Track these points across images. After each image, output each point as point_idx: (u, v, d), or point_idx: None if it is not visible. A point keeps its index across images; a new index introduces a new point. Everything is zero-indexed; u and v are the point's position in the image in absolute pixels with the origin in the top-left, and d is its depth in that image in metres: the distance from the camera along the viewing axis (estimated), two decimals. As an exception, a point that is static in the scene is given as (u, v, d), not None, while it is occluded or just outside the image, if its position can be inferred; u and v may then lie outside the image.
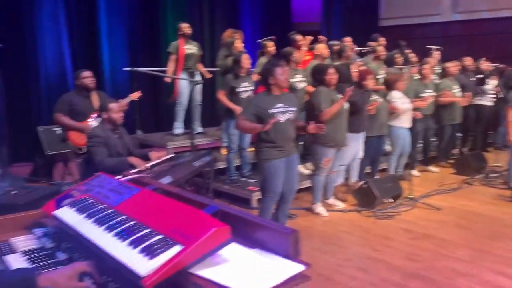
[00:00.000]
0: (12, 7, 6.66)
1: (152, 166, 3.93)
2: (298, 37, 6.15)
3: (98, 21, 7.68)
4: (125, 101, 4.95)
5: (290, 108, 3.83)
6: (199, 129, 6.56)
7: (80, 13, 7.41)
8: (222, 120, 5.72)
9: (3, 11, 6.56)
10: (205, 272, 1.24)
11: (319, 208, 4.85)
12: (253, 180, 5.38)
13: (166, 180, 3.44)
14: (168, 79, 6.14)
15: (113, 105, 3.97)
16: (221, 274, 1.23)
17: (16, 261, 1.62)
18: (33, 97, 6.93)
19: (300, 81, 5.49)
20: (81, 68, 5.24)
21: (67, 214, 1.68)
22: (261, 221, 1.44)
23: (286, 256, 1.32)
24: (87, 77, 4.93)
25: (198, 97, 6.34)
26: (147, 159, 4.03)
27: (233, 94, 5.08)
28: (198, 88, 6.24)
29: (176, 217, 1.41)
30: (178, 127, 6.38)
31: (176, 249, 1.26)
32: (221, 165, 5.72)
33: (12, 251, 1.72)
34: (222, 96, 5.13)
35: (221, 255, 1.33)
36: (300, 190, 4.91)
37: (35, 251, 1.71)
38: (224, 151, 6.10)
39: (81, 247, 1.55)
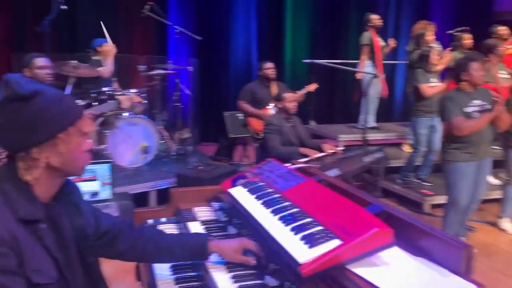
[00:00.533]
0: (211, 6, 7.49)
1: (321, 157, 3.99)
2: (501, 28, 5.42)
3: (284, 15, 8.08)
4: (301, 92, 5.12)
5: (488, 106, 3.43)
6: (373, 123, 6.36)
7: (269, 8, 7.91)
8: (411, 117, 5.40)
9: (206, 8, 7.45)
10: (363, 271, 1.21)
11: (506, 224, 4.24)
12: (428, 184, 5.00)
13: (333, 172, 3.45)
14: (360, 75, 6.04)
15: (287, 95, 4.17)
16: (379, 276, 1.18)
17: (195, 228, 1.84)
18: (222, 84, 7.72)
19: (505, 78, 4.84)
20: (265, 59, 5.61)
21: (240, 193, 1.83)
22: (429, 229, 1.33)
23: (456, 272, 1.20)
24: (269, 68, 5.26)
25: (377, 89, 6.13)
26: (319, 150, 4.11)
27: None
28: (381, 80, 6.03)
29: (338, 211, 1.40)
30: (371, 120, 6.27)
31: (336, 242, 1.26)
32: (394, 163, 5.46)
33: (194, 219, 1.96)
34: (425, 89, 4.76)
35: (381, 257, 1.27)
36: (485, 201, 4.37)
37: (211, 222, 1.91)
38: (407, 148, 5.78)
39: (249, 225, 1.67)
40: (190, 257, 1.55)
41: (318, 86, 5.49)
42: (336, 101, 8.57)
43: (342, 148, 4.33)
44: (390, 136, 6.21)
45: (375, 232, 1.22)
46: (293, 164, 2.31)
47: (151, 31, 7.25)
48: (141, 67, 5.41)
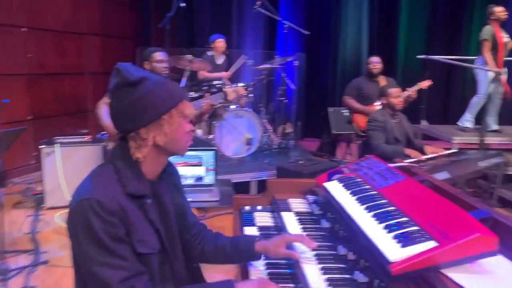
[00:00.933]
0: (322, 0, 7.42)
1: (429, 159, 3.76)
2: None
3: (399, 7, 7.70)
4: (412, 89, 4.86)
5: None
6: (494, 126, 5.77)
7: (383, 1, 7.61)
8: None
9: (317, 2, 7.41)
10: (459, 277, 1.13)
11: None
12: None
13: (441, 175, 3.23)
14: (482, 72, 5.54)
15: (392, 90, 3.98)
16: (478, 285, 1.10)
17: (289, 219, 1.87)
18: (329, 79, 7.63)
19: None
20: (375, 54, 5.42)
21: (335, 188, 1.82)
22: (543, 241, 1.20)
23: None
24: (371, 62, 5.08)
25: (500, 89, 5.56)
26: (422, 152, 3.88)
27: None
28: (503, 79, 5.46)
29: (437, 213, 1.33)
30: (468, 120, 5.79)
31: (431, 244, 1.19)
32: (515, 170, 4.92)
33: (288, 209, 1.99)
34: None
35: (482, 265, 1.18)
36: None
37: (305, 214, 1.93)
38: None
39: (342, 220, 1.66)
40: (241, 257, 1.59)
41: (431, 83, 5.15)
42: (452, 100, 7.96)
43: (454, 151, 4.03)
44: (510, 140, 5.60)
45: (476, 237, 1.13)
46: (395, 162, 2.22)
47: (261, 26, 7.45)
48: (250, 62, 5.59)
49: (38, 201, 4.40)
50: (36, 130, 5.48)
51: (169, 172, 1.49)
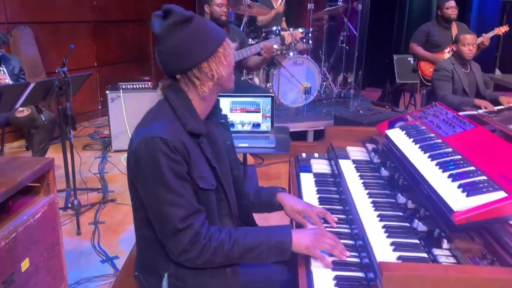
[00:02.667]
0: None
1: (501, 110, 3.50)
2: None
3: None
4: (487, 35, 4.47)
5: None
6: None
7: None
8: None
9: None
10: (530, 230, 1.06)
11: None
12: None
13: (514, 127, 3.01)
14: None
15: (463, 36, 3.67)
16: (551, 239, 1.03)
17: (346, 166, 1.84)
18: (394, 25, 7.18)
19: None
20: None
21: (397, 136, 1.74)
22: None
23: None
24: (451, 7, 4.69)
25: None
26: (497, 103, 3.61)
27: None
28: None
29: (508, 163, 1.23)
30: None
31: (500, 194, 1.12)
32: None
33: (346, 157, 1.95)
34: None
35: (557, 220, 1.09)
36: None
37: (363, 162, 1.88)
38: None
39: (403, 168, 1.60)
40: (264, 206, 1.60)
41: (508, 28, 4.69)
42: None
43: None
44: None
45: (553, 189, 1.04)
46: (464, 111, 2.09)
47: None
48: (310, 6, 5.37)
49: (105, 144, 4.67)
50: (102, 76, 5.72)
51: (216, 111, 1.51)
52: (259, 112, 2.68)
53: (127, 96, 4.40)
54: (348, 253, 1.28)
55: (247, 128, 2.69)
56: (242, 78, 4.71)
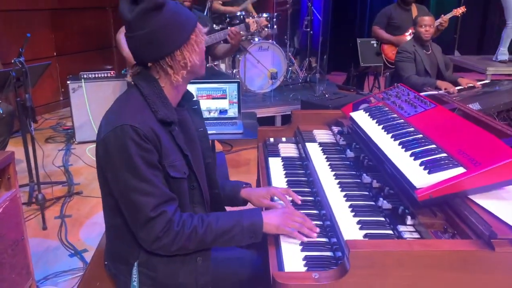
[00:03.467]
0: None
1: (461, 90, 3.63)
2: None
3: None
4: (445, 17, 4.59)
5: None
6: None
7: None
8: None
9: None
10: (487, 203, 1.11)
11: None
12: None
13: (473, 106, 3.12)
14: None
15: (421, 18, 3.75)
16: (506, 209, 1.08)
17: (313, 149, 1.86)
18: (357, 9, 7.25)
19: None
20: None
21: (361, 117, 1.78)
22: None
23: None
24: None
25: None
26: (456, 85, 3.73)
27: None
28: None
29: (467, 140, 1.28)
30: (503, 53, 5.49)
31: (459, 170, 1.16)
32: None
33: (312, 140, 1.98)
34: None
35: (511, 191, 1.15)
36: None
37: (329, 145, 1.91)
38: None
39: (367, 149, 1.64)
40: (229, 202, 1.63)
41: (465, 10, 4.83)
42: (487, 30, 7.52)
43: (484, 82, 3.86)
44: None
45: (507, 162, 1.09)
46: (425, 91, 2.14)
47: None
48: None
49: (69, 136, 4.54)
50: (62, 66, 5.53)
51: (188, 98, 1.49)
52: (225, 98, 2.67)
53: (89, 86, 4.28)
54: (317, 229, 1.31)
55: (214, 114, 2.67)
56: (207, 65, 4.66)
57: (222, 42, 3.54)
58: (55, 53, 5.48)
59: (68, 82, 4.28)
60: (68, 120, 4.76)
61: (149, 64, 1.33)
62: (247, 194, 1.61)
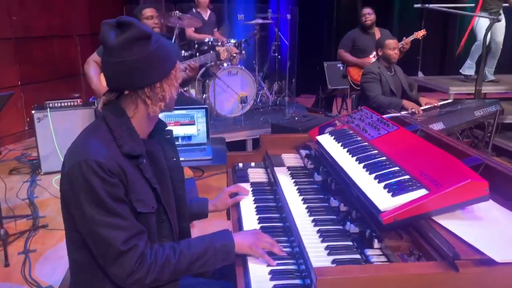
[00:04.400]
0: None
1: (425, 110, 3.73)
2: None
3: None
4: (407, 39, 4.76)
5: None
6: (491, 76, 5.69)
7: None
8: None
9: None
10: (450, 223, 1.12)
11: None
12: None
13: (437, 126, 3.21)
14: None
15: (388, 41, 3.88)
16: (468, 230, 1.09)
17: (282, 174, 1.86)
18: (323, 33, 7.45)
19: None
20: (372, 5, 5.26)
21: (327, 141, 1.79)
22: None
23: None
24: (364, 14, 4.96)
25: (499, 38, 5.43)
26: (418, 104, 3.85)
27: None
28: (501, 27, 5.33)
29: (429, 162, 1.31)
30: (470, 67, 5.67)
31: (422, 192, 1.18)
32: (511, 119, 4.91)
33: (281, 164, 1.98)
34: None
35: (474, 211, 1.17)
36: None
37: (298, 169, 1.92)
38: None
39: (334, 172, 1.64)
40: (194, 217, 1.72)
41: (425, 33, 5.03)
42: (448, 51, 7.84)
43: (444, 102, 4.00)
44: (508, 90, 5.56)
45: (466, 183, 1.12)
46: (389, 113, 2.19)
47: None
48: (241, 16, 5.44)
49: (34, 167, 4.40)
50: (27, 95, 5.40)
51: (159, 128, 1.46)
52: (194, 124, 2.66)
53: (55, 115, 4.19)
54: (285, 254, 1.34)
55: (183, 141, 2.65)
56: (177, 91, 4.65)
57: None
58: (19, 82, 5.36)
59: (33, 111, 4.18)
60: (34, 151, 4.63)
61: (126, 92, 1.31)
62: (214, 207, 1.73)
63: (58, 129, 4.15)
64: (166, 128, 1.51)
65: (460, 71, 5.77)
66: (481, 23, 5.36)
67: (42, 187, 3.95)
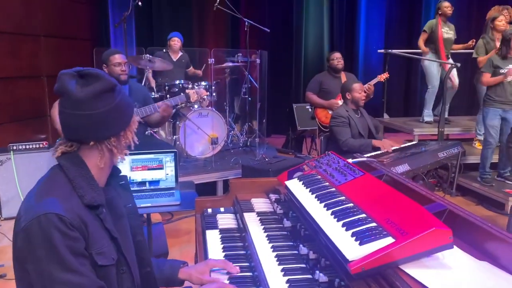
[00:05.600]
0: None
1: (395, 150, 3.83)
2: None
3: (358, 4, 7.83)
4: (371, 82, 4.94)
5: None
6: (429, 118, 5.98)
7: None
8: (480, 108, 5.07)
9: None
10: (416, 272, 1.13)
11: None
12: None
13: (402, 168, 3.29)
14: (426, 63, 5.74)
15: (355, 85, 4.03)
16: (435, 279, 1.10)
17: (251, 219, 1.85)
18: (292, 76, 7.65)
19: None
20: (337, 50, 5.48)
21: (295, 186, 1.80)
22: (495, 231, 1.21)
23: (523, 279, 1.08)
24: (336, 58, 5.14)
25: (436, 82, 5.77)
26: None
27: (496, 76, 4.43)
28: (455, 72, 5.66)
29: (394, 209, 1.33)
30: (428, 115, 5.96)
31: (388, 240, 1.19)
32: (472, 159, 5.10)
33: (250, 210, 1.97)
34: (486, 79, 4.51)
35: (438, 259, 1.18)
36: None
37: (267, 214, 1.91)
38: (477, 145, 5.42)
39: (303, 218, 1.64)
40: (165, 283, 1.56)
41: (388, 76, 5.25)
42: (412, 94, 8.18)
43: (408, 144, 4.15)
44: (463, 131, 5.83)
45: (431, 231, 1.13)
46: (355, 158, 2.23)
47: (222, 25, 7.39)
48: (211, 60, 5.54)
49: (-7, 212, 4.20)
50: (-10, 137, 5.23)
51: (115, 174, 1.44)
52: (162, 168, 2.63)
53: (19, 158, 4.06)
54: None
55: (150, 186, 2.60)
56: (146, 132, 4.62)
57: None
58: (-17, 124, 5.20)
59: (-5, 154, 4.04)
60: (-6, 195, 4.43)
61: (91, 143, 1.28)
62: (187, 275, 1.55)
63: (22, 172, 4.02)
64: (121, 174, 1.48)
65: (420, 120, 6.04)
66: (431, 69, 5.70)
67: (2, 233, 3.76)
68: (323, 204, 1.54)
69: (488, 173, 4.69)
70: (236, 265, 1.56)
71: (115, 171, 1.43)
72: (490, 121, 4.50)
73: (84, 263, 1.18)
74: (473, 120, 5.88)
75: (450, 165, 4.57)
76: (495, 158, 4.75)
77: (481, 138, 5.07)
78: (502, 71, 4.39)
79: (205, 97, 4.17)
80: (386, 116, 6.68)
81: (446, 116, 5.87)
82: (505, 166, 4.67)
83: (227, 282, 1.46)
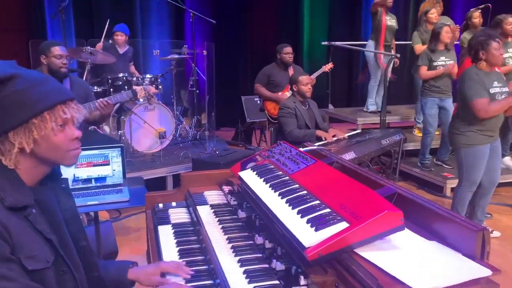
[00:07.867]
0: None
1: (338, 140, 3.93)
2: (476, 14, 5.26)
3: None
4: (316, 73, 5.03)
5: (505, 89, 3.32)
6: (372, 107, 6.23)
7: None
8: (418, 98, 5.32)
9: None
10: (371, 255, 1.16)
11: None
12: (449, 167, 4.89)
13: (349, 156, 3.38)
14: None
15: (302, 78, 4.08)
16: (388, 260, 1.13)
17: (205, 212, 1.82)
18: (240, 68, 7.64)
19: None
20: (282, 41, 5.50)
21: (249, 176, 1.79)
22: (442, 211, 1.27)
23: (469, 256, 1.14)
24: (288, 53, 5.17)
25: (387, 72, 5.99)
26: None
27: (430, 69, 4.66)
28: (382, 61, 5.88)
29: (347, 194, 1.35)
30: (371, 104, 6.18)
31: (343, 225, 1.21)
32: (412, 146, 5.35)
33: (204, 203, 1.94)
34: (423, 72, 4.73)
35: (391, 241, 1.22)
36: (502, 184, 4.26)
37: (221, 206, 1.89)
38: (417, 132, 5.69)
39: (258, 208, 1.64)
40: (114, 286, 1.48)
41: (333, 66, 5.37)
42: (355, 85, 8.43)
43: (353, 133, 4.27)
44: (404, 119, 6.12)
45: (383, 214, 1.16)
46: (306, 146, 2.26)
47: (167, 16, 7.22)
48: (157, 52, 5.40)
49: None
50: None
51: (53, 176, 1.32)
52: (108, 164, 2.52)
53: None
54: None
55: (96, 183, 2.50)
56: (90, 128, 4.43)
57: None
58: None
59: None
60: None
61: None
62: (135, 275, 1.47)
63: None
64: (61, 176, 1.38)
65: (365, 110, 6.23)
66: (371, 59, 5.90)
67: None
68: (277, 193, 1.54)
69: (427, 158, 4.95)
70: (191, 259, 1.53)
71: (54, 173, 1.32)
72: (429, 110, 4.73)
73: (12, 268, 1.09)
74: (412, 109, 6.16)
75: (393, 152, 4.76)
76: (434, 144, 5.01)
77: (420, 126, 5.33)
78: (435, 63, 4.61)
79: (153, 94, 4.04)
80: (331, 106, 6.84)
81: (374, 107, 6.12)
82: (445, 153, 4.95)
83: (182, 281, 1.42)
